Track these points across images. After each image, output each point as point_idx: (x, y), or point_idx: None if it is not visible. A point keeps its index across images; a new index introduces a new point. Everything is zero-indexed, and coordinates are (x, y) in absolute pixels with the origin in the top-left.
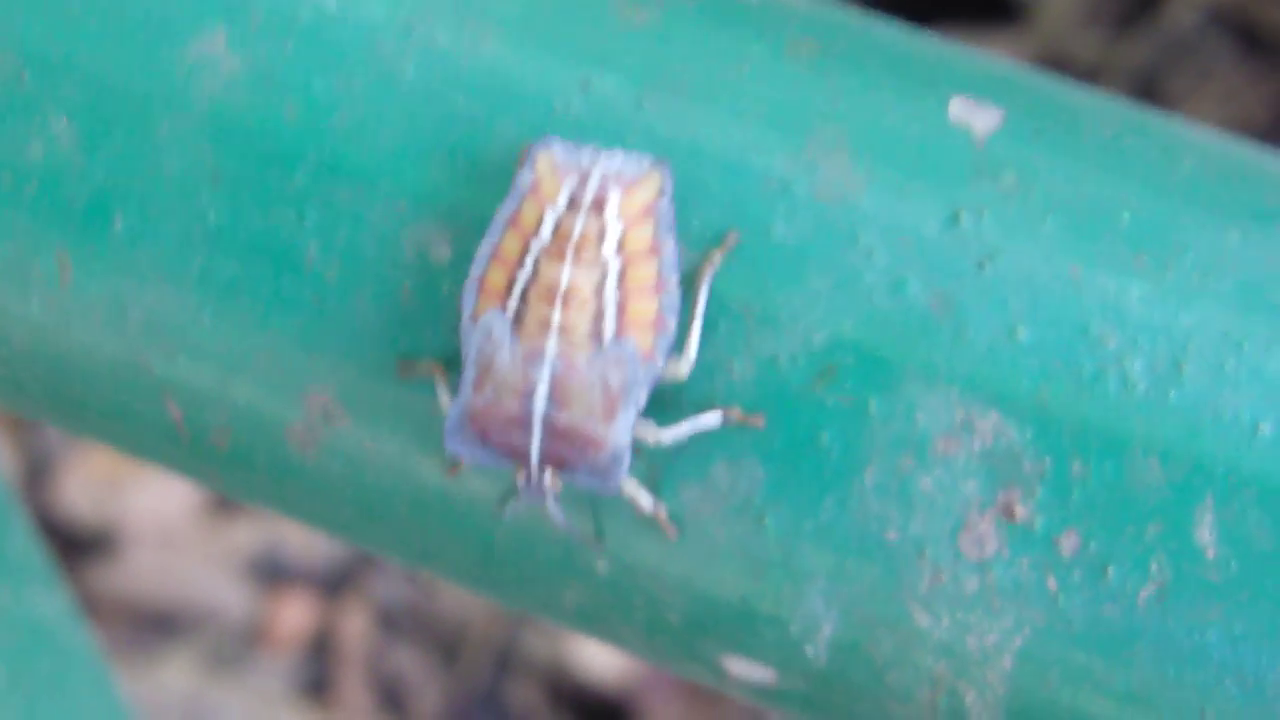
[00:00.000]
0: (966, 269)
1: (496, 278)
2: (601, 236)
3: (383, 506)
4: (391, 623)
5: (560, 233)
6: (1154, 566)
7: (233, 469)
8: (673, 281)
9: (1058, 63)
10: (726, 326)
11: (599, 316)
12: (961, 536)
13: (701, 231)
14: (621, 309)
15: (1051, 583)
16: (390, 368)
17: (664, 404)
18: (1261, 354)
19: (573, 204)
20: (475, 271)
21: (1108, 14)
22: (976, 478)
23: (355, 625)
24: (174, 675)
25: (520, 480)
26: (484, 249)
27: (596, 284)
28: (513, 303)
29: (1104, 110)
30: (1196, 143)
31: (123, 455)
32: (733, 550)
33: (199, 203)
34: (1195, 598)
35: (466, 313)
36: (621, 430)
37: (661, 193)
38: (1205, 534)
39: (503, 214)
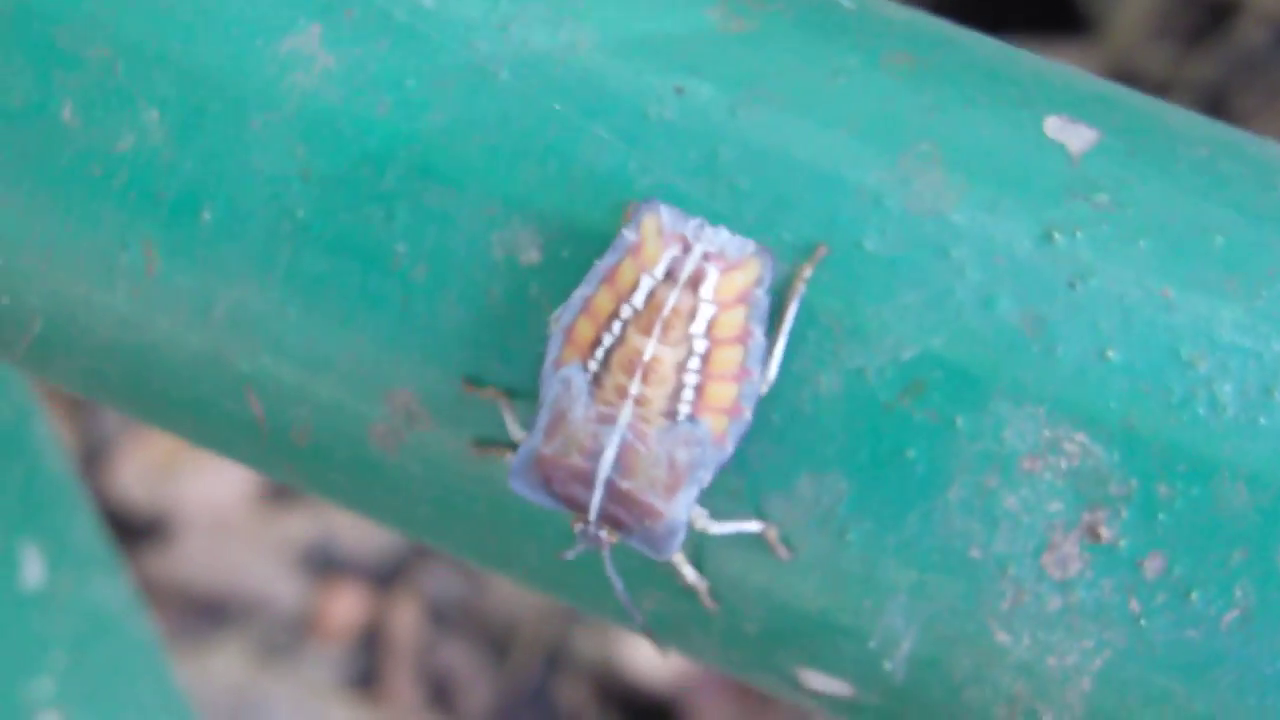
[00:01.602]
0: (1058, 288)
1: (584, 331)
2: (693, 315)
3: (462, 509)
4: (442, 618)
5: (653, 303)
6: (1238, 592)
7: (313, 466)
8: (756, 372)
9: (1127, 76)
10: (815, 338)
11: (676, 394)
12: (1045, 556)
13: (794, 243)
14: (700, 391)
15: (1134, 605)
16: (476, 369)
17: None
18: None
19: (670, 275)
20: (565, 319)
21: (1178, 28)
22: (1062, 498)
23: (406, 619)
24: (223, 663)
25: (577, 529)
26: (576, 298)
27: (679, 362)
28: (594, 363)
29: (1199, 131)
30: None
31: (199, 448)
32: (814, 563)
33: (288, 198)
34: (1279, 624)
35: (550, 357)
36: (681, 507)
37: (760, 281)
38: None
39: (601, 267)
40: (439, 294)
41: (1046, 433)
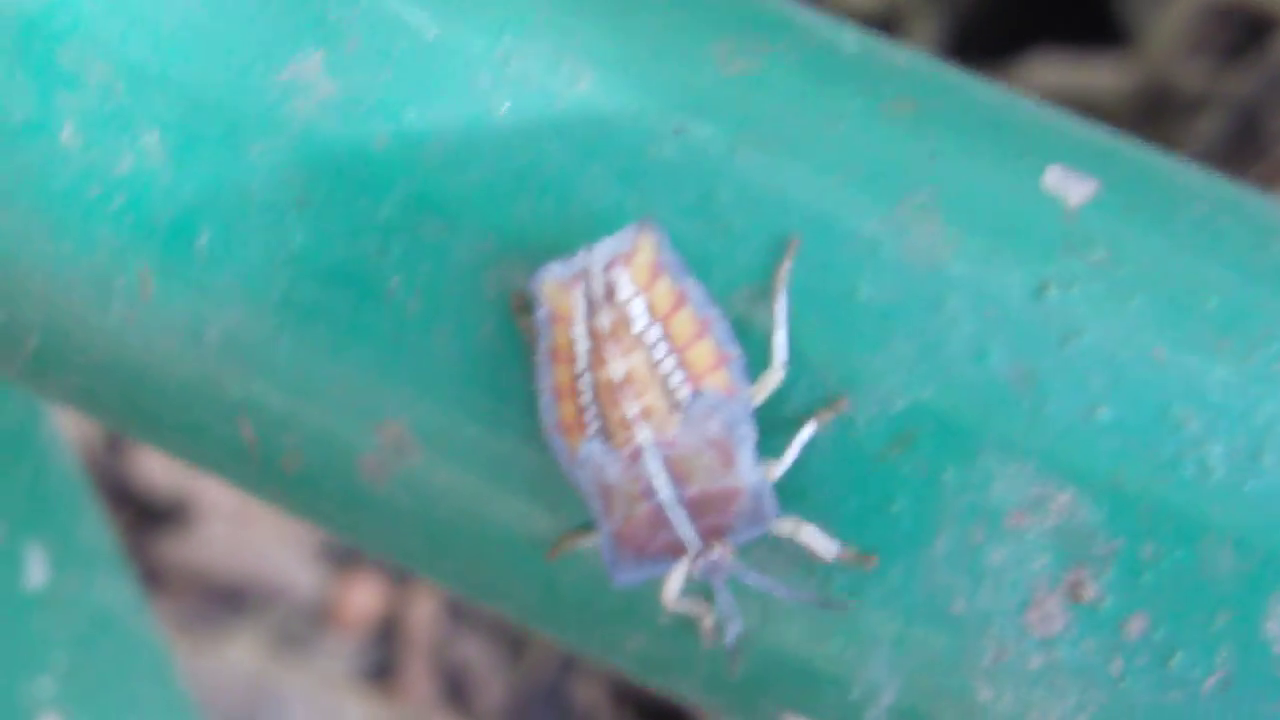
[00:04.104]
0: (1050, 342)
1: (568, 411)
2: (629, 317)
3: (449, 542)
4: (459, 613)
5: (595, 336)
6: (1221, 655)
7: (302, 493)
8: (712, 312)
9: (1161, 91)
10: (806, 384)
11: (668, 387)
12: (1029, 613)
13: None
14: (683, 365)
15: (1116, 665)
16: (468, 404)
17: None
18: None
19: (591, 306)
20: (549, 420)
21: (1215, 43)
22: (1047, 554)
23: (423, 613)
24: (239, 651)
25: (696, 570)
26: (545, 394)
27: (648, 360)
28: (592, 423)
29: (1199, 186)
30: None
31: (192, 468)
32: (798, 610)
33: (284, 226)
34: (1261, 689)
35: (564, 460)
36: (748, 469)
37: (659, 247)
38: (1275, 626)
39: (542, 355)
40: (431, 327)
41: (1034, 489)
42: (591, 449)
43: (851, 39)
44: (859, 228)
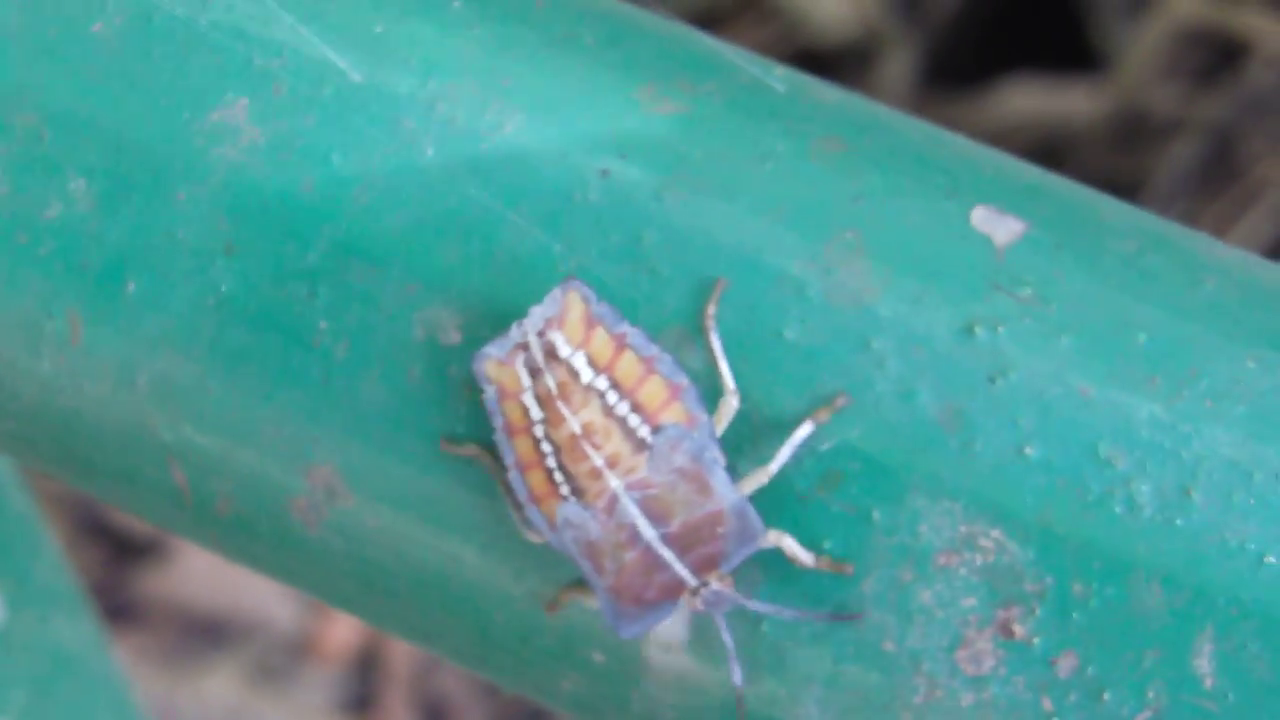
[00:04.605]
0: (978, 382)
1: (537, 481)
2: (574, 373)
3: (383, 585)
4: None
5: (544, 400)
6: (1151, 693)
7: (235, 537)
8: (653, 350)
9: (1136, 116)
10: (734, 427)
11: (627, 430)
12: (959, 652)
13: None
14: (637, 408)
15: (1047, 703)
16: (396, 448)
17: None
18: (1271, 484)
19: (534, 373)
20: (521, 495)
21: (1189, 67)
22: (976, 594)
23: (402, 644)
24: (218, 684)
25: (697, 605)
26: (512, 474)
27: (603, 407)
28: (563, 485)
29: (1129, 223)
30: (1220, 262)
31: (127, 514)
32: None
33: (212, 271)
34: None
35: (545, 530)
36: (725, 490)
37: (587, 300)
38: (1204, 663)
39: (499, 433)
40: (360, 371)
41: (962, 528)
42: (567, 510)
43: (780, 78)
44: (786, 268)
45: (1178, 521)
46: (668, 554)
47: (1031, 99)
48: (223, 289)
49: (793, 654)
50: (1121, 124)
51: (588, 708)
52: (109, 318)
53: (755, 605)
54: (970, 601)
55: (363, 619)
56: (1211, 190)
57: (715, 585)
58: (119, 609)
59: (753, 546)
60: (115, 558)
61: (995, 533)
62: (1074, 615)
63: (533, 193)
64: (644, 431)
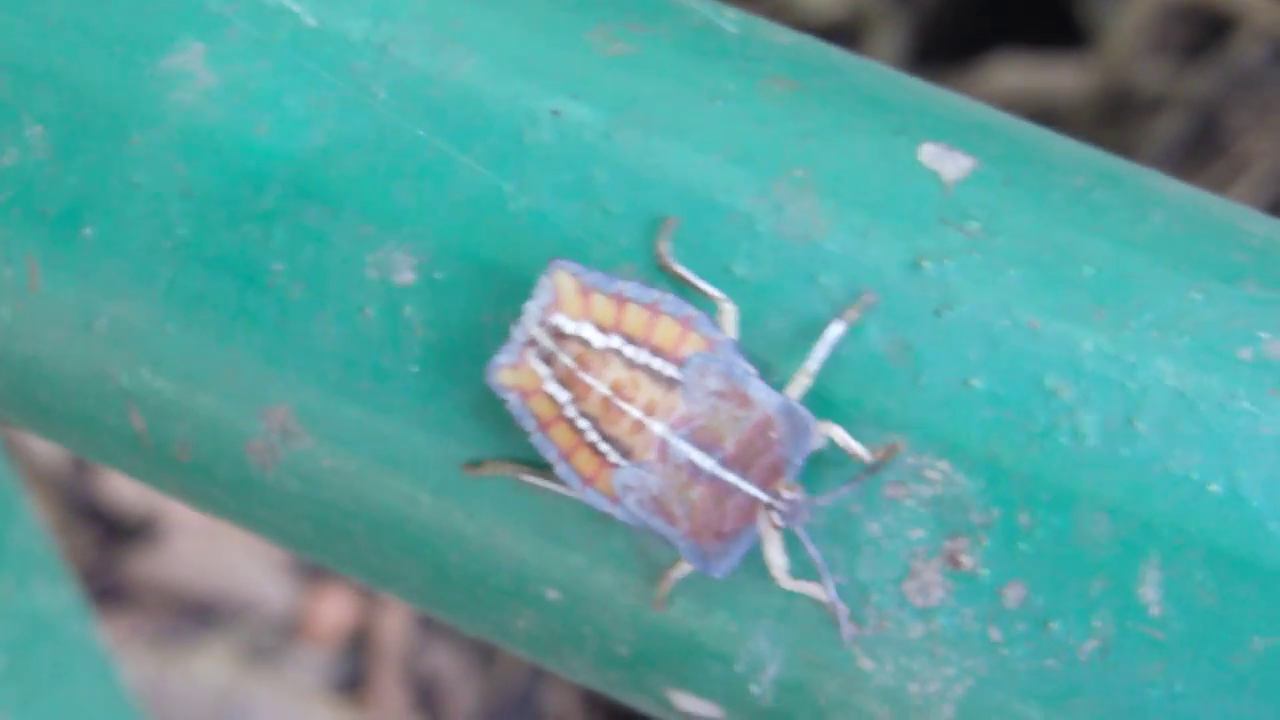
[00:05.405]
0: (925, 315)
1: (585, 462)
2: (585, 342)
3: (339, 526)
4: (429, 622)
5: (567, 379)
6: (1097, 622)
7: (194, 481)
8: (654, 295)
9: (1122, 91)
10: None
11: (654, 374)
12: (907, 583)
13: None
14: (657, 351)
15: (995, 633)
16: (351, 388)
17: None
18: (1214, 414)
19: (550, 360)
20: (575, 483)
21: (1175, 43)
22: (924, 525)
23: (393, 623)
24: (209, 665)
25: (777, 518)
26: (559, 467)
27: (623, 363)
28: (612, 453)
29: (1077, 160)
30: (1168, 196)
31: (89, 461)
32: (682, 586)
33: (168, 216)
34: (1137, 654)
35: (609, 508)
36: (765, 396)
37: (575, 275)
38: (1150, 591)
39: (535, 433)
40: (314, 313)
41: (910, 460)
42: (623, 475)
43: (731, 19)
44: (736, 205)
45: (1123, 452)
46: (732, 476)
47: (1018, 75)
48: (179, 232)
49: (744, 589)
50: (1108, 99)
51: (543, 646)
52: (66, 263)
53: (825, 500)
54: (918, 533)
55: (320, 561)
56: (1198, 164)
57: (787, 495)
58: (109, 590)
59: (808, 441)
60: (105, 539)
61: (942, 464)
62: (1021, 546)
63: (485, 133)
64: (670, 370)
